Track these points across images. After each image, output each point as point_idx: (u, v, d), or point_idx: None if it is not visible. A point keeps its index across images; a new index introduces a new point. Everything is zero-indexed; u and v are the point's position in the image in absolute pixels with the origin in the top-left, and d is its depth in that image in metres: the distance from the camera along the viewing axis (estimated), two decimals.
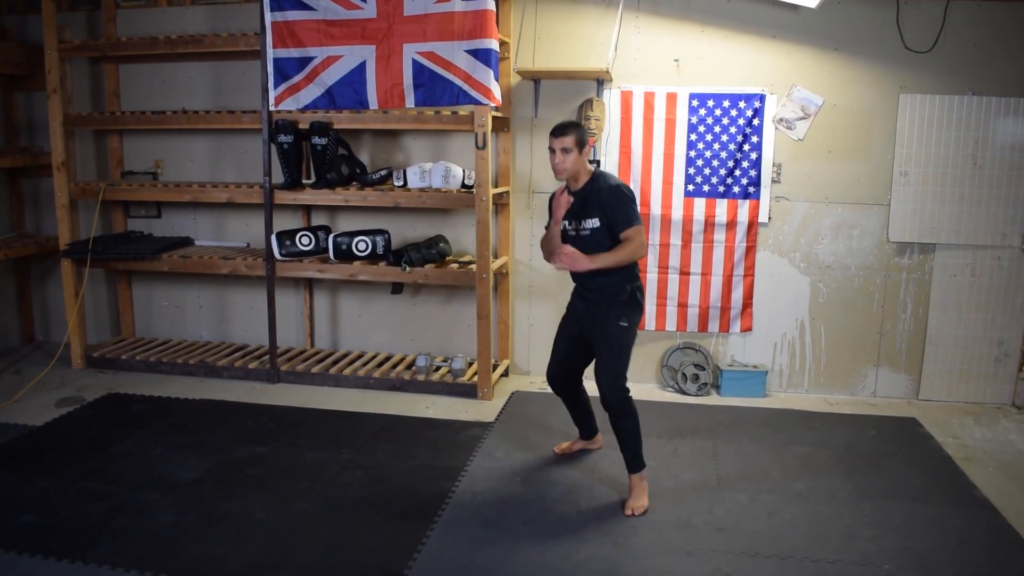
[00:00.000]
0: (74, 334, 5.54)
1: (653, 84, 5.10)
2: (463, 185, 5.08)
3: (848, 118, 4.98)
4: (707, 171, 5.09)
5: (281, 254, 5.21)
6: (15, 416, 4.65)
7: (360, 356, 5.63)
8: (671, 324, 5.30)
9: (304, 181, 5.33)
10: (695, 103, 5.04)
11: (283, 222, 5.56)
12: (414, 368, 5.32)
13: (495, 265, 5.09)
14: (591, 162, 5.01)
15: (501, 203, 5.33)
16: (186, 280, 5.95)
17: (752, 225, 5.11)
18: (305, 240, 5.27)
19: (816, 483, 3.88)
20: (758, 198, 5.08)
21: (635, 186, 5.14)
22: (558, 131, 3.61)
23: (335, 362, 5.49)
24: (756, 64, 5.01)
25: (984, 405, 5.08)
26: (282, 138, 5.05)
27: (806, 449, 4.30)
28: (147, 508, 3.54)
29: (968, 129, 4.87)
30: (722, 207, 5.11)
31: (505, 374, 5.50)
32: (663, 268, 5.22)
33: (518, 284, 5.51)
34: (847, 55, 4.92)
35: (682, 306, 5.26)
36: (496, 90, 4.62)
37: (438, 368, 5.36)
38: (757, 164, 5.04)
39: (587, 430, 4.20)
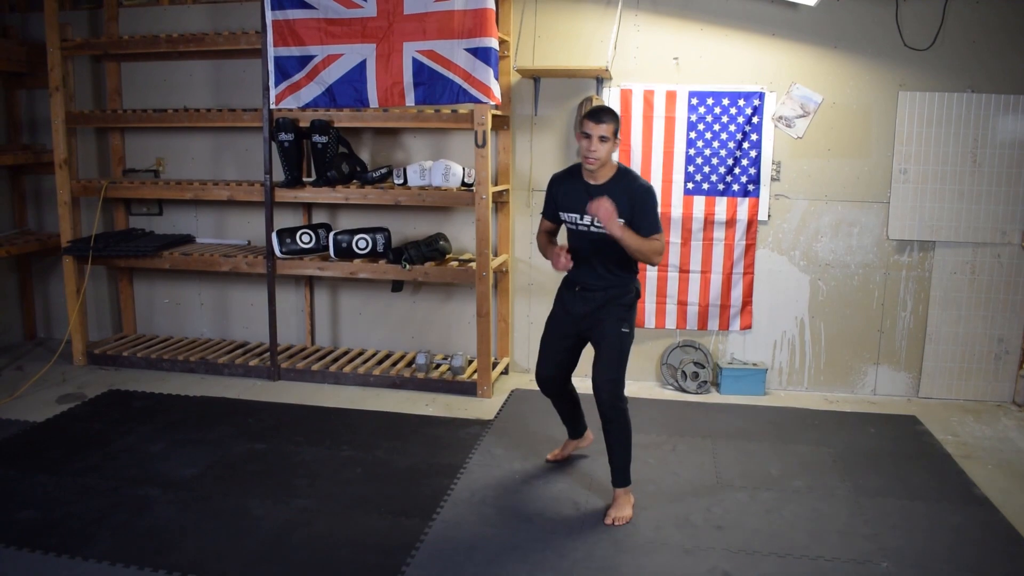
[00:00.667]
0: (75, 331, 5.55)
1: (652, 82, 5.10)
2: (463, 183, 5.09)
3: (847, 116, 4.98)
4: (707, 169, 5.09)
5: (282, 252, 5.22)
6: (16, 412, 4.67)
7: (360, 354, 5.64)
8: (671, 322, 5.31)
9: (305, 179, 5.35)
10: (694, 101, 5.05)
11: (284, 220, 5.58)
12: (414, 366, 5.33)
13: (495, 263, 5.10)
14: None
15: (501, 201, 5.34)
16: (187, 277, 5.97)
17: (752, 223, 5.11)
18: (306, 238, 5.28)
19: (815, 481, 3.88)
20: (757, 196, 5.08)
21: None
22: (596, 116, 3.36)
23: (335, 360, 5.51)
24: (755, 62, 5.01)
25: (984, 403, 5.08)
26: (283, 136, 5.06)
27: (805, 447, 4.31)
28: (147, 504, 3.56)
29: (967, 126, 4.87)
30: (721, 205, 5.11)
31: (505, 372, 5.51)
32: (662, 266, 5.23)
33: (518, 282, 5.51)
34: (846, 53, 4.93)
35: (682, 304, 5.27)
36: (496, 88, 4.63)
37: (438, 366, 5.37)
38: (756, 162, 5.05)
39: (577, 428, 4.07)
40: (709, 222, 5.14)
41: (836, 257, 5.13)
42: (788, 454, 4.20)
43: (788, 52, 4.98)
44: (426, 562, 3.14)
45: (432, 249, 5.15)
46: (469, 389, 5.10)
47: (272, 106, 5.01)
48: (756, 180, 5.06)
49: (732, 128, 5.03)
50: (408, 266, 5.02)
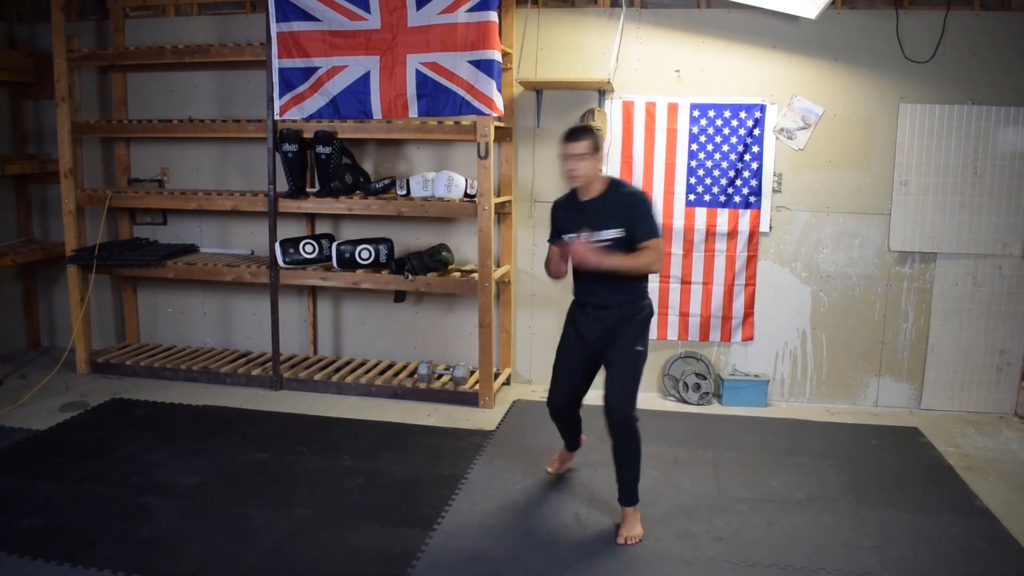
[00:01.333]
0: (79, 340, 5.57)
1: (654, 94, 5.13)
2: (465, 194, 5.11)
3: (848, 128, 5.00)
4: (708, 181, 5.11)
5: (285, 262, 5.24)
6: (20, 420, 4.68)
7: (362, 364, 5.65)
8: (672, 333, 5.31)
9: (308, 190, 5.37)
10: (696, 113, 5.07)
11: (287, 230, 5.60)
12: (416, 376, 5.34)
13: (497, 274, 5.12)
14: None
15: (503, 212, 5.35)
16: (190, 287, 5.99)
17: (753, 234, 5.13)
18: (309, 248, 5.30)
19: (817, 493, 3.88)
20: (759, 208, 5.09)
21: None
22: (571, 136, 3.43)
23: (337, 369, 5.52)
24: (757, 74, 5.04)
25: (986, 414, 5.08)
26: (287, 147, 5.08)
27: (807, 459, 4.31)
28: (149, 513, 3.56)
29: (968, 138, 4.89)
30: (723, 216, 5.13)
31: (507, 383, 5.51)
32: (664, 277, 5.24)
33: (520, 293, 5.53)
34: (847, 65, 4.95)
35: (683, 315, 5.28)
36: (498, 100, 4.66)
37: (440, 376, 5.37)
38: (758, 174, 5.06)
39: (575, 441, 4.04)
40: (711, 234, 5.16)
41: (837, 269, 5.14)
42: (790, 466, 4.20)
43: (789, 65, 5.00)
44: (427, 572, 3.14)
45: (435, 260, 5.17)
46: (471, 400, 5.10)
47: (276, 117, 5.04)
48: (757, 192, 5.08)
49: (734, 140, 5.05)
50: (411, 277, 5.03)
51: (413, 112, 4.83)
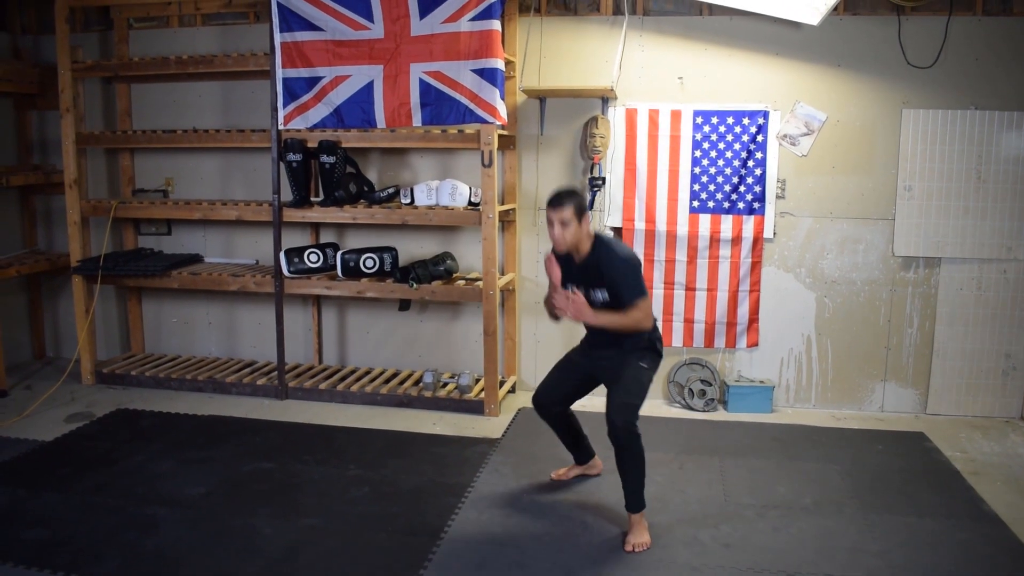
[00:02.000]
0: (84, 350, 5.58)
1: (657, 101, 5.14)
2: (469, 203, 5.11)
3: (851, 134, 5.01)
4: (712, 187, 5.11)
5: (289, 271, 5.24)
6: (25, 431, 4.69)
7: (367, 372, 5.66)
8: (677, 340, 5.31)
9: (312, 199, 5.38)
10: (699, 120, 5.08)
11: (291, 239, 5.60)
12: (421, 384, 5.33)
13: (502, 282, 5.12)
14: (596, 179, 5.08)
15: (507, 220, 5.36)
16: (195, 297, 6.00)
17: (757, 241, 5.13)
18: (313, 257, 5.31)
19: (823, 498, 3.87)
20: (763, 214, 5.10)
21: (640, 202, 5.17)
22: (555, 202, 3.47)
23: (343, 378, 5.52)
24: (760, 81, 5.04)
25: (992, 419, 5.07)
26: (291, 156, 5.10)
27: (813, 464, 4.30)
28: (155, 523, 3.56)
29: (971, 143, 4.89)
30: (727, 223, 5.13)
31: (512, 390, 5.51)
32: (669, 284, 5.24)
33: (524, 300, 5.53)
34: (850, 71, 4.96)
35: (688, 322, 5.27)
36: (502, 108, 4.67)
37: (445, 384, 5.37)
38: (761, 180, 5.07)
39: (581, 454, 4.06)
40: (715, 240, 5.16)
41: (842, 274, 5.14)
42: (796, 471, 4.19)
43: (792, 71, 5.01)
44: None
45: (439, 268, 5.18)
46: (476, 408, 5.10)
47: (280, 127, 5.06)
48: (761, 198, 5.08)
49: (737, 147, 5.06)
50: (415, 285, 5.04)
51: (417, 121, 4.84)
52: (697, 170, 5.12)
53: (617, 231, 5.28)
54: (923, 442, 4.66)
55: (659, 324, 5.20)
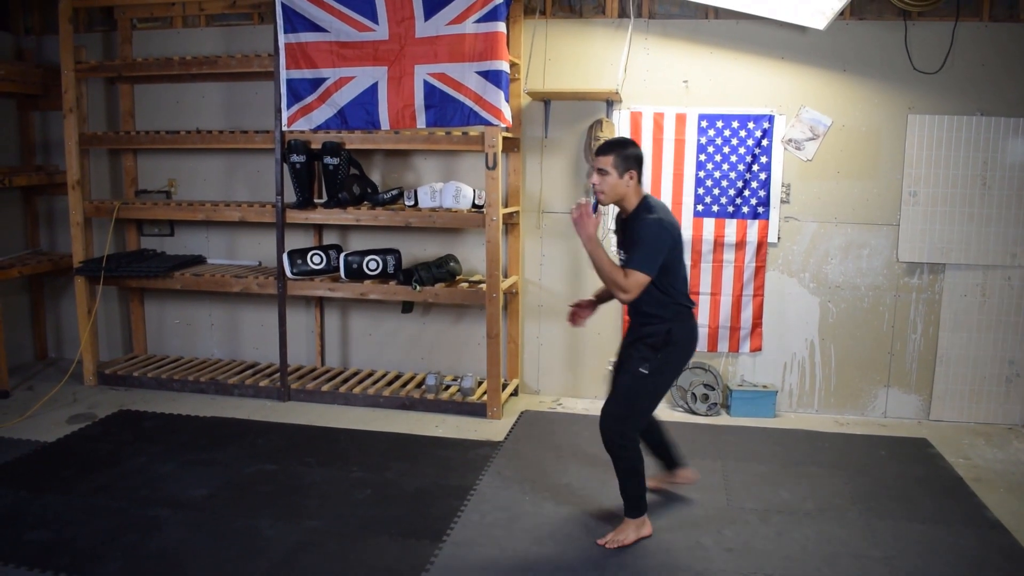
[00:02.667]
0: (86, 351, 5.57)
1: (662, 105, 5.13)
2: (473, 205, 5.11)
3: (857, 139, 5.00)
4: (716, 191, 5.11)
5: (292, 273, 5.24)
6: (27, 432, 4.68)
7: (370, 375, 5.65)
8: None
9: (316, 200, 5.38)
10: (704, 124, 5.07)
11: (295, 241, 5.60)
12: (424, 387, 5.32)
13: (505, 284, 5.11)
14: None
15: (511, 223, 5.36)
16: (198, 298, 5.99)
17: (761, 245, 5.12)
18: (316, 259, 5.31)
19: (826, 504, 3.87)
20: (767, 218, 5.09)
21: None
22: (599, 150, 3.37)
23: (345, 380, 5.51)
24: (765, 85, 5.04)
25: (995, 425, 5.06)
26: (294, 158, 5.09)
27: (816, 470, 4.29)
28: (157, 525, 3.56)
29: (977, 149, 4.89)
30: (731, 227, 5.12)
31: (515, 393, 5.50)
32: None
33: (528, 303, 5.52)
34: (855, 76, 4.95)
35: None
36: (506, 111, 4.67)
37: (448, 387, 5.37)
38: (766, 184, 5.06)
39: (665, 462, 3.89)
40: (719, 244, 5.15)
41: (846, 279, 5.13)
42: (799, 477, 4.18)
43: (797, 75, 5.01)
44: None
45: (442, 270, 5.17)
46: (479, 410, 5.09)
47: (284, 128, 5.05)
48: (766, 202, 5.08)
49: (742, 151, 5.05)
50: (418, 287, 5.03)
51: (421, 123, 4.84)
52: (702, 174, 5.11)
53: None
54: (926, 448, 4.65)
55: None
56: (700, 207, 5.14)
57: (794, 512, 3.77)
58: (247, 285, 5.36)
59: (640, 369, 3.39)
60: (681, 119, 5.09)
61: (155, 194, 5.92)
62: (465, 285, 5.17)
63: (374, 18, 4.79)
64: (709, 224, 5.14)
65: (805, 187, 5.08)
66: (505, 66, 4.63)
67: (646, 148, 5.13)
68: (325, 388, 5.33)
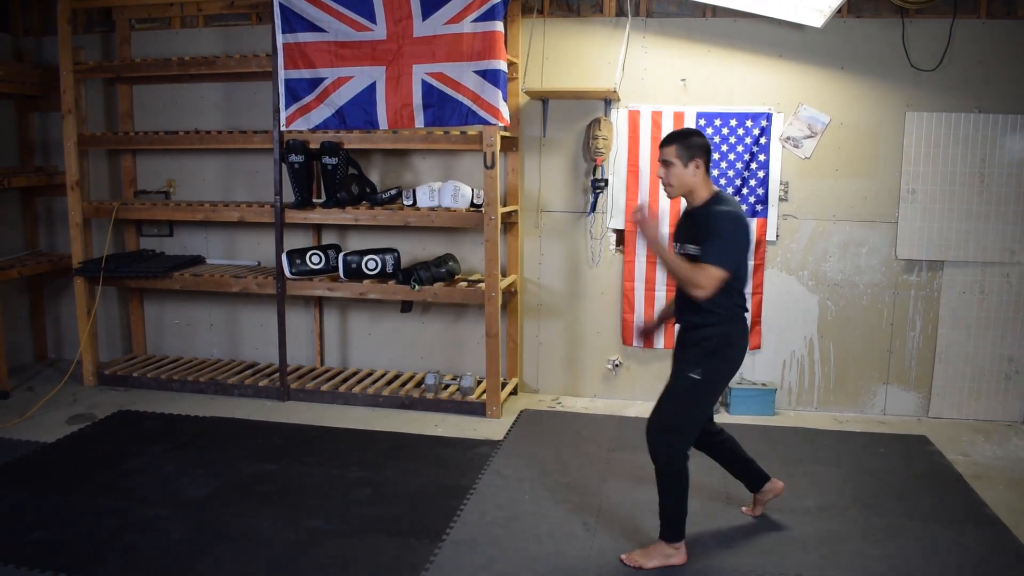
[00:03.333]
0: (86, 352, 5.58)
1: (660, 103, 5.13)
2: (472, 204, 5.11)
3: (855, 136, 5.00)
4: None
5: (291, 273, 5.24)
6: (27, 433, 4.68)
7: (369, 374, 5.65)
8: None
9: (314, 200, 5.38)
10: (702, 122, 5.07)
11: (294, 241, 5.60)
12: (423, 386, 5.33)
13: (504, 283, 5.12)
14: (599, 181, 5.08)
15: (510, 222, 5.36)
16: (197, 298, 6.00)
17: (760, 243, 5.12)
18: (315, 259, 5.31)
19: (826, 501, 3.87)
20: (766, 216, 5.09)
21: (643, 204, 5.16)
22: (662, 142, 3.22)
23: (344, 380, 5.52)
24: (763, 83, 5.04)
25: (994, 422, 5.06)
26: (293, 158, 5.09)
27: (815, 467, 4.29)
28: (157, 525, 3.56)
29: (975, 146, 4.89)
30: None
31: (514, 392, 5.50)
32: (672, 286, 5.23)
33: (527, 302, 5.53)
34: (853, 74, 4.95)
35: None
36: (504, 110, 4.67)
37: (447, 386, 5.37)
38: (764, 182, 5.06)
39: (750, 481, 3.64)
40: None
41: (845, 277, 5.13)
42: (799, 474, 4.18)
43: (795, 73, 5.01)
44: None
45: (441, 270, 5.17)
46: (478, 409, 5.10)
47: (282, 128, 5.06)
48: (764, 200, 5.08)
49: (740, 149, 5.05)
50: (417, 287, 5.03)
51: (419, 122, 4.84)
52: None
53: (619, 233, 5.27)
54: (925, 445, 4.65)
55: (663, 329, 5.18)
56: None
57: (793, 510, 3.77)
58: (246, 285, 5.37)
59: (691, 375, 3.17)
60: (679, 117, 5.09)
61: (154, 195, 5.92)
62: (464, 284, 5.17)
63: (372, 18, 4.79)
64: None
65: (803, 185, 5.08)
66: (503, 65, 4.63)
67: (644, 147, 5.13)
68: (324, 388, 5.34)
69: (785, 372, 5.28)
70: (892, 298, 5.11)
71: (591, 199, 5.19)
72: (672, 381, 3.29)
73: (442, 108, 4.78)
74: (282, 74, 4.97)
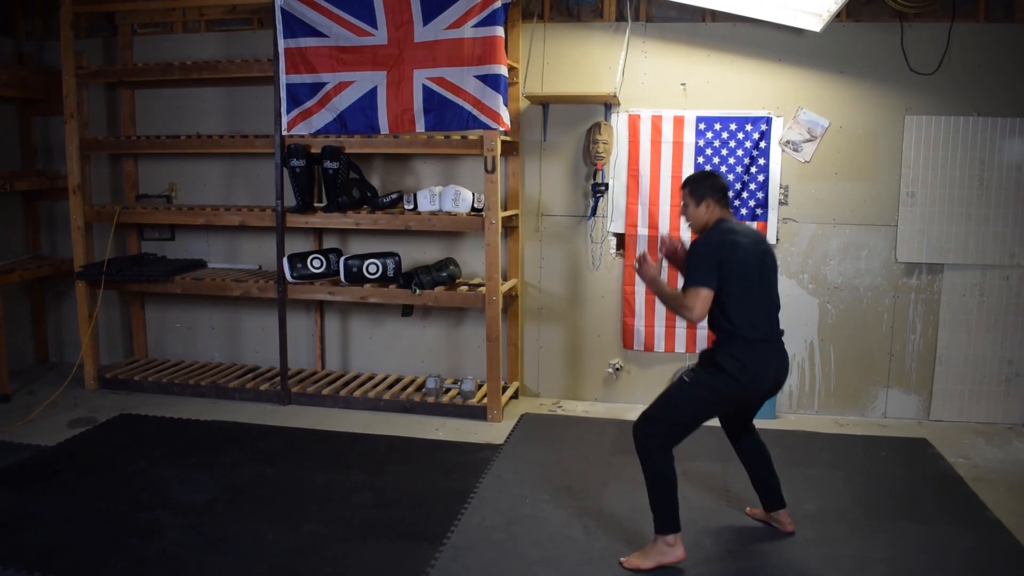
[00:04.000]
0: (87, 355, 5.59)
1: (660, 108, 5.14)
2: (473, 208, 5.12)
3: (854, 140, 5.01)
4: None
5: (293, 277, 5.25)
6: (28, 436, 4.69)
7: (370, 378, 5.66)
8: (680, 346, 5.31)
9: (316, 204, 5.39)
10: (702, 126, 5.08)
11: (295, 245, 5.61)
12: (424, 390, 5.34)
13: (504, 287, 5.12)
14: (599, 185, 5.09)
15: (510, 226, 5.37)
16: (199, 302, 6.00)
17: None
18: (316, 263, 5.32)
19: (826, 504, 3.87)
20: (766, 220, 5.10)
21: (643, 208, 5.17)
22: (682, 185, 3.53)
23: (345, 384, 5.52)
24: (762, 87, 5.05)
25: (995, 425, 5.06)
26: (294, 162, 5.11)
27: (816, 470, 4.29)
28: (158, 529, 3.57)
29: (974, 150, 4.90)
30: None
31: (515, 396, 5.51)
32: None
33: (527, 306, 5.53)
34: (852, 78, 4.96)
35: (691, 327, 5.27)
36: (505, 115, 4.68)
37: (448, 390, 5.37)
38: (764, 186, 5.07)
39: (764, 499, 3.64)
40: None
41: (845, 280, 5.14)
42: (799, 478, 4.18)
43: (794, 77, 5.02)
44: None
45: (442, 274, 5.18)
46: (479, 413, 5.10)
47: (284, 132, 5.07)
48: (764, 204, 5.09)
49: (740, 153, 5.06)
50: (418, 291, 5.04)
51: (420, 127, 4.85)
52: None
53: (620, 237, 5.28)
54: (926, 448, 4.65)
55: (662, 329, 5.17)
56: None
57: (794, 513, 3.75)
58: (247, 289, 5.38)
59: (684, 377, 3.36)
60: (679, 122, 5.10)
61: (156, 198, 5.94)
62: (465, 288, 5.18)
63: (373, 23, 4.81)
64: None
65: (803, 188, 5.09)
66: (503, 70, 4.64)
67: (644, 151, 5.14)
68: (325, 392, 5.34)
69: None
70: (892, 301, 5.11)
71: (591, 203, 5.20)
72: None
73: (443, 113, 4.79)
74: (283, 79, 4.98)
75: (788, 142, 5.05)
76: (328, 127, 4.99)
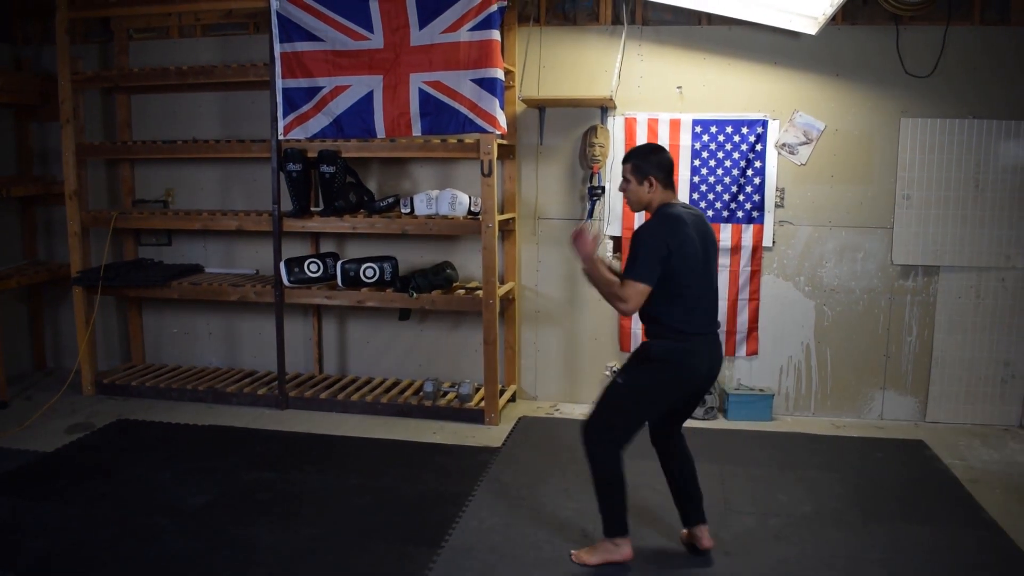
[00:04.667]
0: (84, 361, 5.58)
1: (656, 111, 5.16)
2: (469, 212, 5.13)
3: (850, 142, 5.03)
4: (711, 196, 5.13)
5: (290, 281, 5.25)
6: (25, 442, 4.68)
7: (368, 382, 5.66)
8: None
9: (312, 209, 5.39)
10: (698, 129, 5.10)
11: (292, 249, 5.61)
12: (421, 393, 5.34)
13: (501, 291, 5.13)
14: (596, 188, 5.09)
15: (507, 229, 5.38)
16: (196, 307, 6.00)
17: (756, 249, 5.14)
18: (313, 267, 5.32)
19: (823, 506, 3.88)
20: (762, 222, 5.11)
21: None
22: (623, 158, 3.33)
23: (343, 388, 5.52)
24: (758, 90, 5.07)
25: (991, 426, 5.07)
26: (291, 166, 5.11)
27: (813, 472, 4.30)
28: (156, 533, 3.56)
29: (969, 152, 4.91)
30: (726, 232, 5.14)
31: (512, 399, 5.51)
32: None
33: (524, 309, 5.54)
34: (848, 80, 4.98)
35: None
36: (501, 118, 4.69)
37: (445, 393, 5.37)
38: (760, 189, 5.08)
39: (683, 514, 3.49)
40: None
41: (841, 282, 5.15)
42: (795, 480, 4.19)
43: (790, 80, 5.03)
44: None
45: (439, 277, 5.18)
46: (476, 417, 5.10)
47: (280, 137, 5.07)
48: (760, 207, 5.10)
49: (736, 155, 5.07)
50: (415, 294, 5.05)
51: (416, 131, 4.86)
52: (696, 179, 5.13)
53: (617, 240, 5.29)
54: (922, 450, 4.66)
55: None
56: None
57: (791, 515, 3.78)
58: (244, 294, 5.38)
59: (617, 378, 3.27)
60: (675, 124, 5.12)
61: (153, 204, 5.93)
62: (462, 292, 5.18)
63: (369, 27, 4.81)
64: None
65: (799, 191, 5.11)
66: (500, 74, 4.65)
67: None
68: (323, 396, 5.34)
69: (782, 377, 5.29)
70: (888, 303, 5.12)
71: (588, 206, 5.21)
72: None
73: (439, 117, 4.79)
74: (280, 83, 4.98)
75: (784, 145, 5.07)
76: (324, 131, 5.00)
